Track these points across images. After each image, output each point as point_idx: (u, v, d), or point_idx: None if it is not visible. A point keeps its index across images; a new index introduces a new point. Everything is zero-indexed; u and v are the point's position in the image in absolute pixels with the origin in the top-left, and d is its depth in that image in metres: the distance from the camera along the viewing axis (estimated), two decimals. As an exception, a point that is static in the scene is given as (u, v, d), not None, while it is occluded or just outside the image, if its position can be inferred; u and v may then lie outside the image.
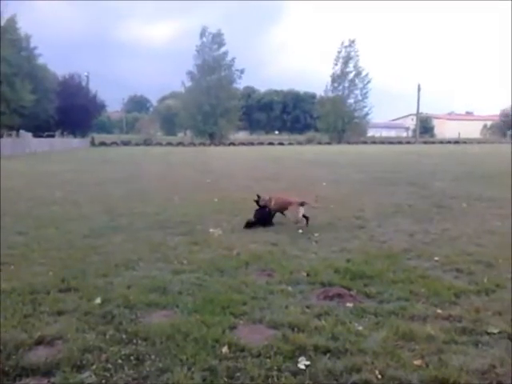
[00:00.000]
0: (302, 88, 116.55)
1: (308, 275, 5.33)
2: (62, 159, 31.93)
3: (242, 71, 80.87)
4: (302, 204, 8.24)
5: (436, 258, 6.06)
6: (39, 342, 3.62)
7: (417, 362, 3.33)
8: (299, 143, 75.18)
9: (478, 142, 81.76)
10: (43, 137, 54.78)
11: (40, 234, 7.71)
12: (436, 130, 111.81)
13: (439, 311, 4.27)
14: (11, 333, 3.73)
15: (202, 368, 3.23)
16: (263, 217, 8.34)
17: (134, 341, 3.63)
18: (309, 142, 77.32)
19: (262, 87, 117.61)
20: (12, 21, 48.71)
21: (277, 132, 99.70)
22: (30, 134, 54.40)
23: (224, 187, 14.32)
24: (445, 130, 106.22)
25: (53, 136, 59.29)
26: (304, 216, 8.23)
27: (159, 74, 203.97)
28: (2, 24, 46.84)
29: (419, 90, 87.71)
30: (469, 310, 4.28)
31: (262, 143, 73.48)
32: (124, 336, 3.71)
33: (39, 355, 3.42)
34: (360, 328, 3.90)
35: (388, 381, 3.11)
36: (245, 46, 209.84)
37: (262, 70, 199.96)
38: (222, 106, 76.89)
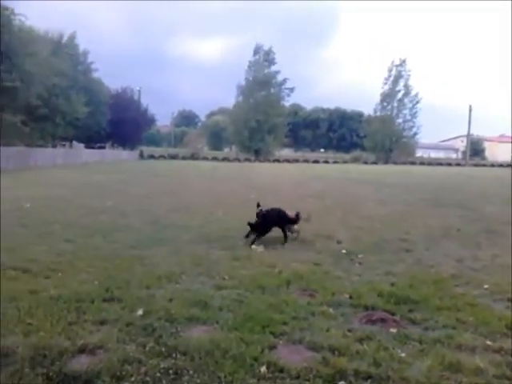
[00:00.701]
0: (348, 106, 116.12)
1: (351, 297, 5.21)
2: (111, 170, 32.85)
3: (291, 90, 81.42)
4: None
5: (486, 286, 5.81)
6: (82, 350, 3.69)
7: (464, 396, 3.18)
8: (345, 162, 74.63)
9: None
10: (94, 148, 56.76)
11: (87, 242, 7.92)
12: (487, 153, 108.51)
13: (489, 343, 4.07)
14: (56, 339, 3.82)
15: (239, 386, 3.20)
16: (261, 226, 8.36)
17: (174, 355, 3.64)
18: (355, 160, 76.61)
19: (308, 105, 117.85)
20: (72, 37, 51.39)
21: (322, 150, 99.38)
22: (82, 145, 56.55)
23: (268, 203, 14.27)
24: (496, 152, 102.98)
25: (103, 147, 61.34)
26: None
27: (208, 90, 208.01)
28: (63, 40, 49.40)
29: (470, 110, 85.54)
30: (521, 344, 4.06)
31: (307, 160, 73.35)
32: (163, 349, 3.73)
33: (81, 363, 3.48)
34: (403, 355, 3.77)
35: (432, 413, 2.98)
36: (292, 63, 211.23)
37: (309, 87, 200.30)
38: (268, 123, 77.42)
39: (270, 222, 8.43)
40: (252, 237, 8.19)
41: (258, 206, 8.79)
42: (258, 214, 8.53)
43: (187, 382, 3.26)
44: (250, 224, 8.28)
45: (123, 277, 5.76)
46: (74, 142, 58.73)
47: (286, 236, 8.43)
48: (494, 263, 7.20)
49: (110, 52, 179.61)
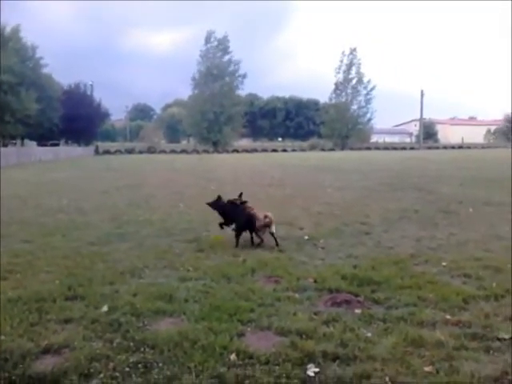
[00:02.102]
0: (304, 95, 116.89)
1: (315, 282, 5.30)
2: (66, 167, 32.01)
3: (244, 76, 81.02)
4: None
5: (444, 264, 6.02)
6: (46, 350, 3.60)
7: (427, 369, 3.29)
8: (302, 150, 75.34)
9: (482, 146, 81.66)
10: (48, 145, 55.08)
11: (46, 241, 7.71)
12: (439, 135, 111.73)
13: (448, 317, 4.23)
14: (18, 341, 3.71)
15: (210, 375, 3.20)
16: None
17: (142, 349, 3.61)
18: (312, 148, 77.46)
19: (264, 94, 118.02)
20: (16, 30, 49.21)
21: (280, 139, 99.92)
22: (34, 143, 54.79)
23: (228, 194, 14.27)
24: (448, 135, 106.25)
25: (57, 145, 59.60)
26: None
27: (162, 82, 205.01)
28: (6, 33, 47.29)
29: (422, 95, 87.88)
30: (478, 316, 4.24)
31: (265, 150, 73.66)
32: (131, 344, 3.68)
33: (46, 364, 3.39)
34: (369, 334, 3.87)
35: (398, 388, 3.07)
36: (247, 53, 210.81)
37: (265, 77, 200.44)
38: (225, 114, 77.10)
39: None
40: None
41: (220, 198, 7.97)
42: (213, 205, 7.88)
43: (157, 375, 3.23)
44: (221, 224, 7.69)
45: (85, 274, 5.65)
46: (26, 140, 56.83)
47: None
48: (451, 241, 7.46)
49: (59, 46, 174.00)
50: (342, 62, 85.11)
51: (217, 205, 7.85)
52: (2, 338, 3.77)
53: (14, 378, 3.19)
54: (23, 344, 3.66)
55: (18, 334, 3.85)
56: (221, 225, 7.68)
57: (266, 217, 7.18)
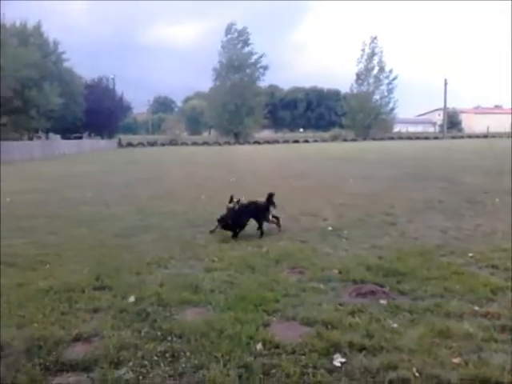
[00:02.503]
0: (325, 85, 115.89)
1: (340, 272, 5.29)
2: (90, 160, 32.46)
3: (265, 68, 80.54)
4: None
5: (470, 255, 5.94)
6: (77, 338, 3.69)
7: (455, 360, 3.26)
8: (324, 140, 74.73)
9: (508, 136, 79.89)
10: (71, 139, 55.88)
11: (72, 233, 7.85)
12: (464, 125, 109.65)
13: (476, 308, 4.19)
14: (50, 329, 3.80)
15: (237, 365, 3.24)
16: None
17: (169, 338, 3.66)
18: (334, 138, 76.79)
19: (285, 85, 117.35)
20: (37, 26, 50.03)
21: (301, 130, 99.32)
22: (58, 136, 55.60)
23: (250, 186, 14.32)
24: (473, 124, 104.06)
25: (81, 138, 60.46)
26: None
27: (183, 75, 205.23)
28: (27, 29, 48.06)
29: (446, 84, 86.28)
30: (507, 307, 4.18)
31: (286, 141, 73.28)
32: (159, 333, 3.74)
33: (77, 351, 3.48)
34: (395, 325, 3.86)
35: (426, 379, 3.06)
36: (268, 44, 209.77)
37: (285, 68, 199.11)
38: (246, 105, 76.92)
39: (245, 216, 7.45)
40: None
41: (232, 199, 7.53)
42: (230, 209, 7.41)
43: (184, 364, 3.28)
44: (220, 220, 7.33)
45: (112, 265, 5.74)
46: (51, 134, 57.75)
47: (261, 228, 7.45)
48: (477, 232, 7.36)
49: (80, 40, 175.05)
50: (363, 51, 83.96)
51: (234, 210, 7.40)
52: (35, 325, 3.87)
53: (48, 364, 3.28)
54: (55, 332, 3.75)
55: (50, 323, 3.96)
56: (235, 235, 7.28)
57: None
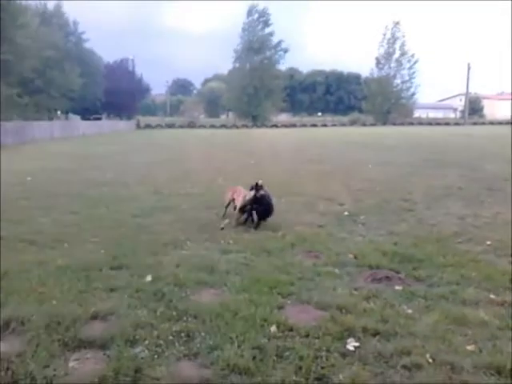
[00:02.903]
0: (345, 69, 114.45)
1: (355, 258, 5.29)
2: (109, 141, 32.67)
3: (285, 50, 79.67)
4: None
5: (488, 242, 5.88)
6: (94, 316, 3.76)
7: (469, 348, 3.26)
8: (343, 125, 74.06)
9: (532, 122, 78.23)
10: (90, 119, 56.30)
11: (91, 213, 7.96)
12: (486, 111, 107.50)
13: (492, 296, 4.16)
14: (68, 307, 3.88)
15: (251, 346, 3.27)
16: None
17: (184, 318, 3.72)
18: (353, 123, 76.01)
19: (304, 68, 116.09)
20: (58, 6, 50.22)
21: (320, 113, 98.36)
22: (78, 117, 56.05)
23: (268, 169, 14.32)
24: (495, 110, 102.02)
25: (100, 119, 60.85)
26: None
27: (202, 57, 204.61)
28: (48, 10, 48.29)
29: (469, 69, 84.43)
30: (525, 296, 4.14)
31: (304, 125, 72.80)
32: (174, 313, 3.80)
33: (95, 329, 3.55)
34: (410, 311, 3.86)
35: (440, 365, 3.06)
36: (287, 26, 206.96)
37: (305, 50, 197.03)
38: (265, 88, 76.37)
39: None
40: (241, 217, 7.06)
41: (257, 186, 6.92)
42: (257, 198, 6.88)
43: (199, 344, 3.33)
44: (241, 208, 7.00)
45: (129, 245, 5.82)
46: (70, 114, 58.27)
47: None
48: (497, 220, 7.27)
49: (100, 21, 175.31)
50: (384, 35, 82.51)
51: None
52: (54, 302, 3.96)
53: (66, 340, 3.36)
54: (73, 309, 3.83)
55: (69, 300, 4.04)
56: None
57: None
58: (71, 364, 3.09)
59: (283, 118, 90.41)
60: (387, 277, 4.65)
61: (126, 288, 4.36)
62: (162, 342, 3.36)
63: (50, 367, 3.03)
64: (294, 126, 72.13)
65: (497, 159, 16.55)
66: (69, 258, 5.25)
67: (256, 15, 77.26)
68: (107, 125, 56.91)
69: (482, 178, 11.81)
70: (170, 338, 3.42)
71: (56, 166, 15.73)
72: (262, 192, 6.88)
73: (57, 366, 3.05)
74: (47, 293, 4.17)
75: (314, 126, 71.25)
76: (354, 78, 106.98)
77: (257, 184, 6.91)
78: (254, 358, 3.14)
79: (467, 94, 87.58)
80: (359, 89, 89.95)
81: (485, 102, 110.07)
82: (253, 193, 6.87)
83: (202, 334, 3.47)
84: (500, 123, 74.58)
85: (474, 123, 76.87)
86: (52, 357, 3.15)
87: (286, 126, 71.81)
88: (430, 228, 6.79)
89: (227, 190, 7.71)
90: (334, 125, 73.53)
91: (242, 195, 7.05)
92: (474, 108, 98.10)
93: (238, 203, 7.04)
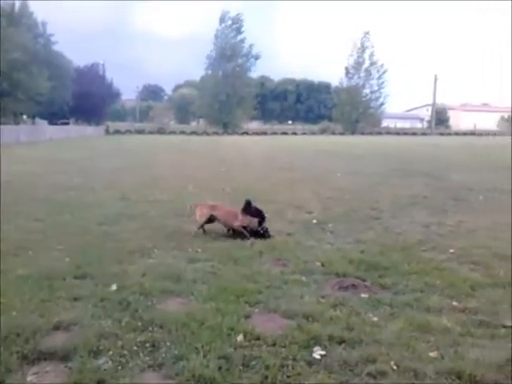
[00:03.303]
0: (316, 78, 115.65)
1: (323, 265, 5.32)
2: (77, 146, 32.12)
3: (256, 57, 80.00)
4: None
5: (451, 250, 6.01)
6: (56, 327, 3.67)
7: (432, 354, 3.31)
8: (313, 133, 74.87)
9: (495, 133, 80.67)
10: (58, 124, 55.18)
11: (57, 220, 7.79)
12: (451, 122, 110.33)
13: (455, 303, 4.25)
14: (29, 318, 3.77)
15: (217, 356, 3.24)
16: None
17: (150, 328, 3.66)
18: (322, 132, 76.95)
19: (275, 76, 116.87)
20: (24, 5, 48.65)
21: (290, 122, 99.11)
22: (45, 122, 54.87)
23: (238, 177, 14.33)
24: (460, 121, 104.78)
25: (68, 124, 59.70)
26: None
27: (173, 63, 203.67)
28: (16, 9, 46.91)
29: (436, 80, 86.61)
30: (485, 303, 4.25)
31: (275, 133, 73.24)
32: (140, 323, 3.74)
33: (56, 340, 3.46)
34: (375, 319, 3.90)
35: (403, 372, 3.10)
36: (258, 34, 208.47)
37: (276, 59, 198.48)
38: (237, 95, 76.51)
39: None
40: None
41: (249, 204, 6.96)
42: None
43: (165, 354, 3.28)
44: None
45: (94, 253, 5.71)
46: (37, 119, 56.97)
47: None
48: (460, 228, 7.44)
49: (70, 24, 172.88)
50: (354, 45, 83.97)
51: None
52: (14, 313, 3.84)
53: (25, 352, 3.26)
54: (34, 320, 3.72)
55: (30, 310, 3.93)
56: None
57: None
58: (29, 378, 3.00)
59: (254, 125, 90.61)
60: (353, 285, 4.69)
61: (90, 297, 4.27)
62: (126, 352, 3.30)
63: (4, 383, 2.93)
64: (264, 133, 72.49)
65: (462, 169, 16.99)
66: (32, 267, 5.12)
67: (229, 22, 77.47)
68: (75, 130, 55.96)
69: (447, 188, 12.09)
70: (135, 348, 3.36)
71: (22, 170, 15.35)
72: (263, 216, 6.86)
73: (14, 380, 2.95)
74: (7, 303, 4.04)
75: (285, 134, 71.76)
76: (324, 87, 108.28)
77: (249, 203, 6.91)
78: (219, 368, 3.11)
79: (434, 104, 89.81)
80: (329, 98, 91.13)
81: (450, 113, 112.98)
82: (256, 220, 6.74)
83: (168, 344, 3.42)
84: (465, 134, 76.76)
85: (441, 133, 78.82)
86: (8, 371, 3.04)
87: (256, 133, 72.07)
88: (396, 236, 6.90)
89: (199, 206, 7.10)
90: (304, 133, 74.21)
91: (226, 212, 6.91)
92: (440, 118, 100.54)
93: (229, 221, 6.84)
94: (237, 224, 6.78)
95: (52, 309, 3.99)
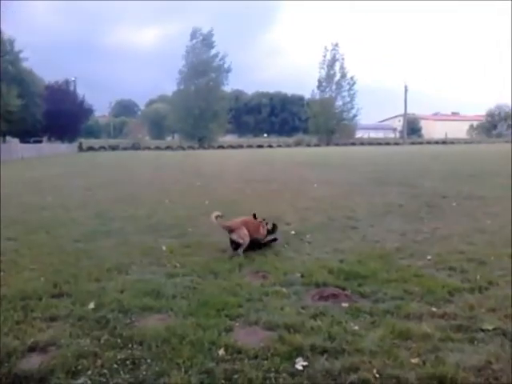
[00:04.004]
0: (289, 90, 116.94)
1: (302, 276, 5.32)
2: (50, 165, 31.64)
3: (228, 70, 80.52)
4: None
5: (428, 257, 6.08)
6: (32, 348, 3.56)
7: (414, 361, 3.33)
8: (288, 145, 75.37)
9: (465, 142, 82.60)
10: (30, 142, 54.32)
11: (30, 239, 7.62)
12: (423, 131, 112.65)
13: (434, 309, 4.29)
14: (3, 340, 3.66)
15: (199, 371, 3.20)
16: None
17: (130, 345, 3.59)
18: (297, 144, 77.55)
19: (249, 90, 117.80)
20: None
21: (265, 135, 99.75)
22: (17, 140, 53.91)
23: (215, 190, 14.31)
24: (432, 130, 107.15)
25: (40, 142, 58.82)
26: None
27: (146, 78, 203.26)
28: None
29: (406, 90, 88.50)
30: (463, 308, 4.30)
31: (250, 146, 73.59)
32: (119, 340, 3.66)
33: (33, 362, 3.36)
34: (356, 328, 3.90)
35: (386, 380, 3.10)
36: (231, 49, 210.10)
37: (250, 73, 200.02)
38: (211, 110, 76.73)
39: None
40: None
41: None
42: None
43: (145, 371, 3.22)
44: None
45: (71, 271, 5.59)
46: (8, 137, 55.97)
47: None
48: (436, 235, 7.54)
49: (40, 41, 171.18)
50: (324, 57, 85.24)
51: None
52: (-13, 336, 3.72)
53: (-1, 376, 3.16)
54: (8, 342, 3.62)
55: (3, 333, 3.81)
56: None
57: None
58: (5, 403, 2.91)
59: (229, 139, 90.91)
60: (334, 294, 4.70)
61: (67, 317, 4.17)
62: (106, 371, 3.22)
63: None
64: (240, 146, 72.79)
65: (435, 177, 17.30)
66: (5, 287, 4.97)
67: (200, 38, 77.91)
68: (48, 148, 55.17)
69: (421, 195, 12.27)
70: (115, 366, 3.29)
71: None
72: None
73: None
74: (-20, 326, 3.92)
75: (260, 146, 72.14)
76: (298, 100, 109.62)
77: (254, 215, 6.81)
78: (201, 383, 3.07)
79: (405, 114, 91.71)
80: (303, 110, 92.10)
81: (422, 123, 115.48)
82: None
83: (148, 360, 3.36)
84: (436, 142, 78.44)
85: (413, 143, 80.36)
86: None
87: (232, 146, 72.32)
88: (374, 244, 6.96)
89: (237, 225, 6.49)
90: (280, 146, 74.74)
91: (255, 225, 6.71)
92: (412, 128, 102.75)
93: (256, 235, 6.62)
94: (260, 236, 6.74)
95: (27, 330, 3.87)
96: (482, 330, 3.81)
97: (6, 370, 3.24)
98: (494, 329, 3.82)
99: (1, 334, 3.79)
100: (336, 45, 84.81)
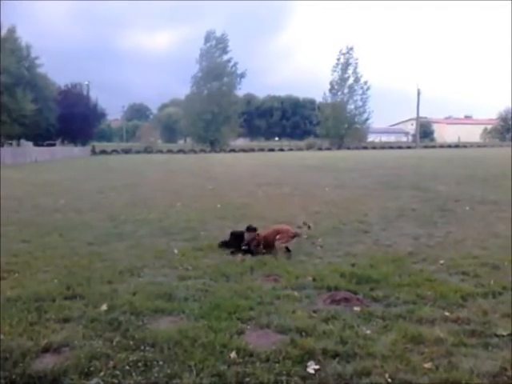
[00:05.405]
0: (301, 94, 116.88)
1: (314, 280, 5.31)
2: (63, 168, 31.93)
3: (242, 75, 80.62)
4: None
5: (441, 262, 6.04)
6: (46, 349, 3.60)
7: (426, 365, 3.30)
8: (299, 149, 75.21)
9: (478, 145, 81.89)
10: (44, 146, 54.92)
11: (44, 241, 7.70)
12: (436, 134, 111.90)
13: (447, 314, 4.25)
14: (17, 341, 3.70)
15: (210, 373, 3.21)
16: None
17: (142, 347, 3.61)
18: (309, 147, 77.34)
19: (261, 94, 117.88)
20: (11, 31, 49.11)
21: (277, 138, 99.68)
22: (30, 143, 54.57)
23: (226, 193, 14.33)
24: (444, 134, 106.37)
25: (54, 145, 59.49)
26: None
27: (159, 82, 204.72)
28: (2, 34, 47.13)
29: (419, 94, 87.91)
30: (477, 313, 4.26)
31: (262, 149, 73.56)
32: (131, 342, 3.69)
33: (46, 363, 3.39)
34: (368, 332, 3.88)
35: (398, 384, 3.09)
36: (243, 52, 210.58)
37: (261, 76, 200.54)
38: (223, 113, 76.84)
39: None
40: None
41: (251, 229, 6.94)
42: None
43: (157, 373, 3.23)
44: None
45: (83, 274, 5.64)
46: (22, 141, 56.65)
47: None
48: (449, 239, 7.49)
49: (55, 46, 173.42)
50: (338, 60, 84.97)
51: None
52: (2, 337, 3.77)
53: (14, 376, 3.19)
54: (23, 343, 3.66)
55: (18, 333, 3.85)
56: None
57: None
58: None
59: (241, 142, 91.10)
60: (346, 298, 4.68)
61: (80, 318, 4.21)
62: (118, 372, 3.25)
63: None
64: (252, 150, 72.78)
65: (448, 181, 17.16)
66: (19, 289, 5.03)
67: (214, 41, 78.07)
68: (61, 151, 55.73)
69: (434, 199, 12.19)
70: (127, 368, 3.31)
71: (6, 193, 15.16)
72: None
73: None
74: (-5, 326, 3.96)
75: (272, 150, 72.10)
76: (309, 104, 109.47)
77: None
78: (213, 385, 3.08)
79: (418, 118, 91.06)
80: (314, 114, 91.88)
81: (435, 126, 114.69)
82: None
83: (160, 362, 3.37)
84: (449, 146, 77.75)
85: (425, 146, 79.67)
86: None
87: (244, 150, 72.36)
88: (386, 249, 6.92)
89: (277, 233, 6.80)
90: (291, 149, 74.62)
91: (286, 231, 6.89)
92: (425, 132, 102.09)
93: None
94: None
95: (41, 331, 3.91)
96: (497, 336, 3.78)
97: (20, 370, 3.27)
98: (509, 334, 3.78)
99: (15, 334, 3.83)
100: (351, 48, 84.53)
